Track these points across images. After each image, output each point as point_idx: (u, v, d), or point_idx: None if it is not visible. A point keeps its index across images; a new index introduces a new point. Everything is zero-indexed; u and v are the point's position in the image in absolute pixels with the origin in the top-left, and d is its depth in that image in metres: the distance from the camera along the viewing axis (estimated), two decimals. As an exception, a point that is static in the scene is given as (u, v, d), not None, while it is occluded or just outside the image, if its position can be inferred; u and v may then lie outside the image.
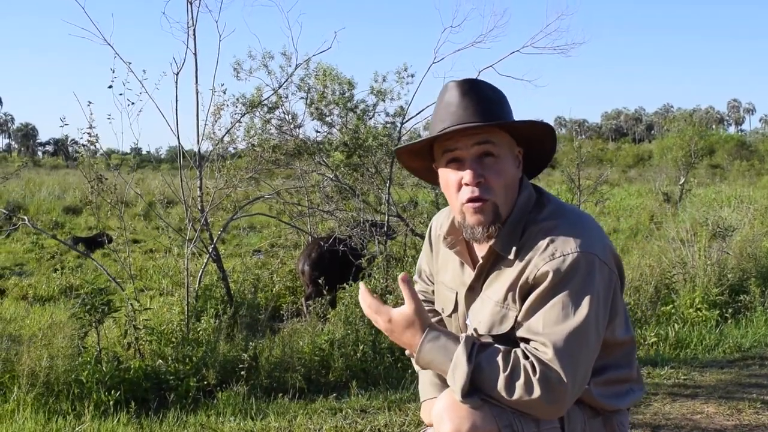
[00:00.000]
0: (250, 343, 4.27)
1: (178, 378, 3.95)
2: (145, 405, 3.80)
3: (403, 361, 4.33)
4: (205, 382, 3.97)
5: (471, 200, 1.61)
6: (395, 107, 7.06)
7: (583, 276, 1.53)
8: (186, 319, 4.49)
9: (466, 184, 1.61)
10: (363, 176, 6.82)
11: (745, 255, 6.67)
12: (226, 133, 5.58)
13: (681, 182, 16.56)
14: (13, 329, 4.62)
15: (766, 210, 10.98)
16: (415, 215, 6.91)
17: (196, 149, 5.04)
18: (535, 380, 1.46)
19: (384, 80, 6.93)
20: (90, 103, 4.50)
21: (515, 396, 1.47)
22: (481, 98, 1.63)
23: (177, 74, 4.61)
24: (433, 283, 1.96)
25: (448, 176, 1.66)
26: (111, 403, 3.67)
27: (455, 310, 1.81)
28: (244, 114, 6.43)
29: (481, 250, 1.71)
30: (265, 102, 6.79)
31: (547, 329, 1.50)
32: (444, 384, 1.60)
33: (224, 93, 5.06)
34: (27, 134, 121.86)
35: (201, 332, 4.46)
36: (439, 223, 1.90)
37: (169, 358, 4.09)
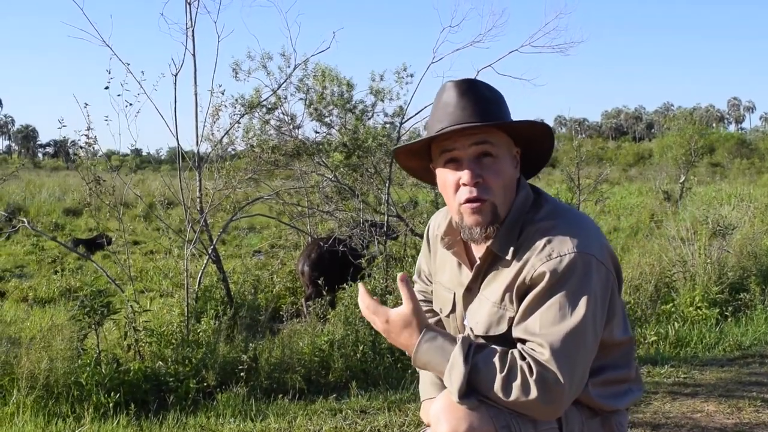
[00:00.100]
0: (250, 344, 4.27)
1: (177, 379, 3.95)
2: (145, 407, 3.80)
3: (403, 361, 4.33)
4: (205, 384, 3.97)
5: (469, 200, 1.60)
6: (394, 107, 7.07)
7: (580, 276, 1.52)
8: (186, 321, 4.49)
9: (464, 185, 1.60)
10: (362, 176, 6.82)
11: (746, 253, 6.67)
12: (225, 134, 5.58)
13: (681, 181, 16.55)
14: (13, 332, 4.62)
15: (766, 208, 10.98)
16: (415, 215, 6.91)
17: (195, 150, 5.04)
18: (531, 381, 1.46)
19: (382, 79, 6.93)
20: (87, 105, 4.50)
21: (512, 397, 1.47)
22: (479, 98, 1.62)
23: (176, 75, 4.61)
24: (431, 283, 1.96)
25: (445, 176, 1.65)
26: (111, 405, 3.67)
27: (453, 310, 1.81)
28: (243, 115, 6.43)
29: (478, 250, 1.71)
30: (264, 103, 6.79)
31: (544, 330, 1.50)
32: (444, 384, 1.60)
33: (222, 94, 5.05)
34: (27, 136, 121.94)
35: (201, 333, 4.46)
36: (437, 224, 1.90)
37: (169, 360, 4.09)
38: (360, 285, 1.73)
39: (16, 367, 3.85)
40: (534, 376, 1.46)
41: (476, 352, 1.52)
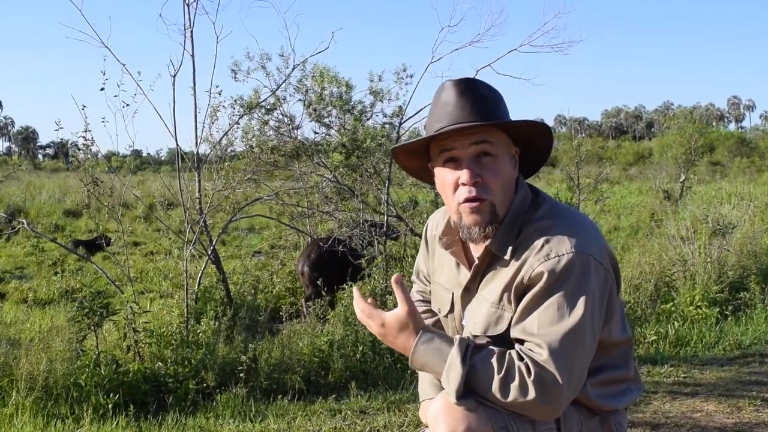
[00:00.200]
0: (250, 345, 4.27)
1: (177, 380, 3.95)
2: (144, 408, 3.80)
3: (403, 361, 4.32)
4: (204, 385, 3.97)
5: (468, 200, 1.60)
6: (393, 107, 7.06)
7: (578, 276, 1.52)
8: (185, 322, 4.49)
9: (463, 184, 1.60)
10: (362, 177, 6.82)
11: (746, 252, 6.67)
12: (224, 135, 5.57)
13: (681, 180, 16.53)
14: (13, 333, 4.61)
15: (766, 207, 10.96)
16: (415, 215, 6.91)
17: (194, 151, 5.04)
18: (529, 382, 1.45)
19: (380, 80, 6.93)
20: (84, 107, 4.49)
21: (510, 398, 1.47)
22: (478, 97, 1.62)
23: (174, 76, 4.60)
24: (430, 283, 1.96)
25: (444, 176, 1.65)
26: (110, 406, 3.67)
27: (451, 310, 1.80)
28: (242, 116, 6.42)
29: (476, 250, 1.70)
30: (263, 103, 6.79)
31: (542, 330, 1.49)
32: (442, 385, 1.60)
33: (219, 94, 5.04)
34: (27, 137, 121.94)
35: (200, 334, 4.46)
36: (435, 223, 1.90)
37: (169, 361, 4.08)
38: (354, 289, 1.73)
39: (15, 369, 3.84)
40: (532, 377, 1.45)
41: (474, 353, 1.52)
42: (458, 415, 1.50)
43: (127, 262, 5.20)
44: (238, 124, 6.27)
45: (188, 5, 4.65)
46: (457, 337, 1.56)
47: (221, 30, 4.72)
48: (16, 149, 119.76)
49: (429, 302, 1.98)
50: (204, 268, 5.05)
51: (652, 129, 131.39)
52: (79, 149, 4.72)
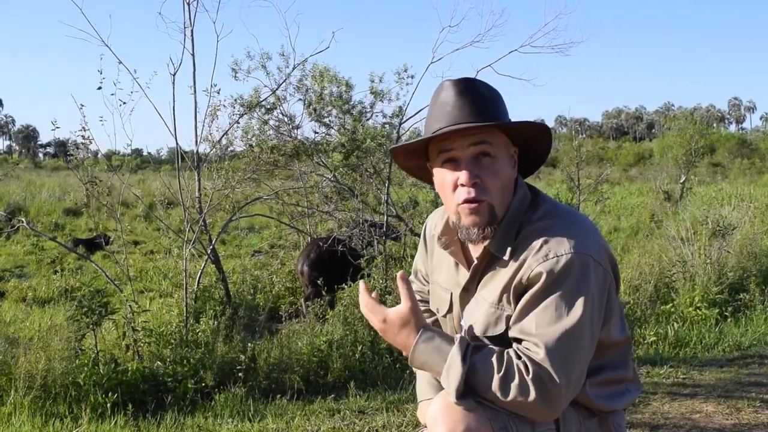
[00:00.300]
0: (249, 345, 4.26)
1: (176, 380, 3.94)
2: (143, 407, 3.79)
3: (402, 361, 4.32)
4: (203, 384, 3.96)
5: (467, 201, 1.60)
6: (394, 108, 7.05)
7: (577, 277, 1.52)
8: (184, 321, 4.49)
9: (462, 185, 1.60)
10: (362, 177, 6.81)
11: (745, 253, 6.66)
12: (224, 134, 5.57)
13: (682, 181, 16.51)
14: (12, 332, 4.61)
15: (766, 208, 10.96)
16: (415, 215, 6.90)
17: (194, 150, 5.03)
18: (528, 380, 1.45)
19: (381, 81, 6.92)
20: (82, 106, 4.48)
21: (510, 397, 1.46)
22: (477, 98, 1.61)
23: (174, 75, 4.59)
24: (428, 283, 1.95)
25: (443, 176, 1.64)
26: (108, 405, 3.67)
27: (450, 310, 1.80)
28: (242, 115, 6.42)
29: (475, 250, 1.70)
30: (263, 103, 6.78)
31: (540, 330, 1.49)
32: (441, 384, 1.60)
33: (218, 93, 5.04)
34: (28, 136, 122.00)
35: (199, 334, 4.45)
36: (434, 223, 1.89)
37: (167, 360, 4.08)
38: (361, 282, 1.73)
39: (13, 367, 3.84)
40: (530, 375, 1.45)
41: (474, 352, 1.52)
42: (457, 415, 1.50)
43: (127, 261, 5.19)
44: (238, 123, 6.27)
45: (188, 4, 4.64)
46: (458, 335, 1.56)
47: (221, 29, 4.72)
48: (17, 148, 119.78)
49: (427, 302, 1.97)
50: (203, 267, 5.05)
51: (653, 130, 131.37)
52: (78, 148, 4.71)
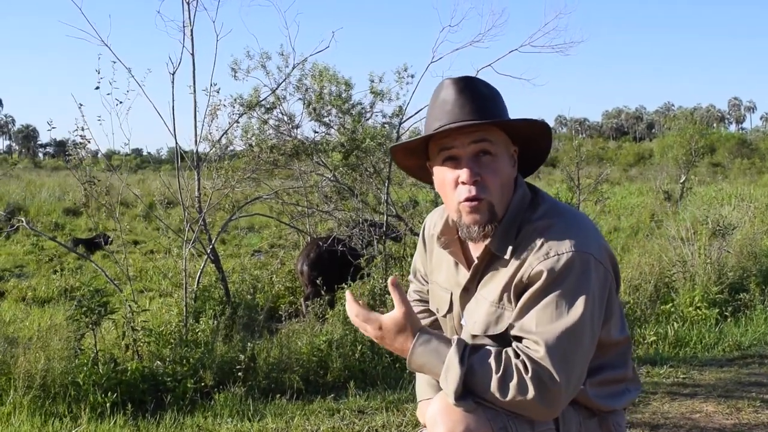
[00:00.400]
0: (248, 344, 4.25)
1: (175, 379, 3.94)
2: (142, 407, 3.79)
3: (401, 361, 4.31)
4: (203, 384, 3.96)
5: (468, 199, 1.59)
6: (393, 107, 7.05)
7: (577, 275, 1.51)
8: (184, 320, 4.48)
9: (463, 183, 1.59)
10: (361, 176, 6.81)
11: (745, 253, 6.66)
12: (224, 134, 5.56)
13: (682, 181, 16.51)
14: (11, 331, 4.61)
15: (766, 208, 10.96)
16: (415, 215, 6.90)
17: (194, 150, 5.03)
18: (527, 379, 1.44)
19: (380, 80, 6.92)
20: (81, 105, 4.48)
21: (509, 396, 1.46)
22: (478, 96, 1.61)
23: (173, 74, 4.59)
24: (428, 283, 1.95)
25: (444, 175, 1.64)
26: (108, 405, 3.66)
27: (450, 310, 1.80)
28: (242, 114, 6.42)
29: (476, 249, 1.69)
30: (263, 102, 6.79)
31: (540, 328, 1.48)
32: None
33: (218, 92, 5.04)
34: (28, 136, 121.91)
35: (199, 333, 4.45)
36: (433, 223, 1.89)
37: (167, 360, 4.08)
38: (347, 292, 1.72)
39: (13, 367, 3.84)
40: (529, 374, 1.45)
41: (471, 353, 1.51)
42: (457, 416, 1.49)
43: (126, 260, 5.18)
44: (238, 122, 6.28)
45: (188, 3, 4.64)
46: (455, 337, 1.55)
47: (221, 28, 4.72)
48: (17, 147, 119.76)
49: (426, 302, 1.97)
50: (203, 267, 5.05)
51: (653, 130, 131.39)
52: (76, 146, 4.70)
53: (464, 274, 1.72)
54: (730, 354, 4.90)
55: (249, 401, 3.83)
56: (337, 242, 6.23)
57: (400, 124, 6.87)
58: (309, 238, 7.37)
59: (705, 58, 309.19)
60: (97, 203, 4.75)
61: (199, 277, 4.98)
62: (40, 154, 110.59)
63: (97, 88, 4.35)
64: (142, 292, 6.76)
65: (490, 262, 1.65)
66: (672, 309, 5.55)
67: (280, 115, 7.11)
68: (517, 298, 1.57)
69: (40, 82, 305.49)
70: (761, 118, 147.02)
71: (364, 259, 5.84)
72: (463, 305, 1.73)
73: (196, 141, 4.93)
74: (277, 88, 6.51)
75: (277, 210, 8.66)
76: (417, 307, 1.96)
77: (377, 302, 5.00)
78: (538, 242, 1.56)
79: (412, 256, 5.99)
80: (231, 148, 6.74)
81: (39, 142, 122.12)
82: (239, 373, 3.97)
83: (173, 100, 4.65)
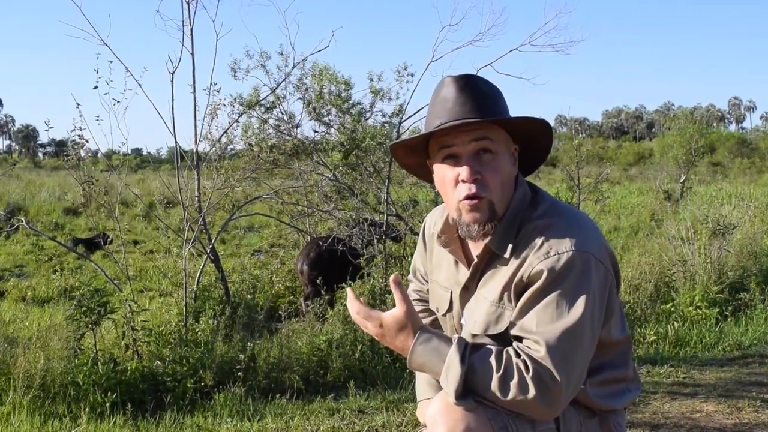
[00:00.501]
0: (248, 344, 4.25)
1: (175, 379, 3.93)
2: (142, 407, 3.78)
3: (402, 361, 4.31)
4: (203, 384, 3.95)
5: (468, 197, 1.59)
6: (393, 107, 7.05)
7: (578, 275, 1.51)
8: (184, 320, 4.48)
9: (463, 181, 1.59)
10: (362, 176, 6.81)
11: (746, 253, 6.66)
12: (224, 133, 5.56)
13: (682, 180, 16.50)
14: (11, 331, 4.60)
15: (766, 207, 10.96)
16: (415, 214, 6.89)
17: (194, 149, 5.03)
18: (528, 378, 1.44)
19: (380, 79, 6.92)
20: (78, 105, 4.47)
21: (510, 396, 1.45)
22: (478, 94, 1.61)
23: (173, 73, 4.59)
24: (428, 282, 1.94)
25: (444, 173, 1.63)
26: (107, 405, 3.66)
27: (450, 309, 1.79)
28: (242, 114, 6.41)
29: (476, 248, 1.69)
30: (263, 102, 6.78)
31: (541, 327, 1.48)
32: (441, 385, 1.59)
33: (218, 92, 5.03)
34: (27, 135, 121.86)
35: (199, 333, 4.44)
36: (433, 221, 1.88)
37: (167, 359, 4.07)
38: (348, 290, 1.72)
39: (12, 367, 3.83)
40: (530, 373, 1.44)
41: (472, 352, 1.50)
42: (457, 415, 1.49)
43: (126, 260, 5.18)
44: (238, 122, 6.27)
45: (188, 2, 4.63)
46: (456, 336, 1.55)
47: (221, 28, 4.72)
48: (17, 147, 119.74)
49: (426, 301, 1.97)
50: (203, 266, 5.04)
51: (653, 129, 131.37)
52: (74, 144, 4.69)
53: (464, 273, 1.72)
54: (731, 353, 4.90)
55: (249, 401, 3.82)
56: (337, 242, 6.22)
57: (400, 123, 6.87)
58: (309, 237, 7.36)
59: (705, 58, 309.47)
60: (97, 203, 4.74)
61: (199, 277, 4.98)
62: (40, 154, 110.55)
63: (96, 87, 4.35)
64: (142, 291, 6.76)
65: (490, 260, 1.65)
66: (672, 308, 5.55)
67: (280, 115, 7.11)
68: (517, 297, 1.56)
69: (40, 82, 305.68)
70: (761, 118, 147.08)
71: (364, 258, 5.83)
72: (463, 304, 1.73)
73: (196, 140, 4.93)
74: (276, 88, 6.51)
75: (277, 209, 8.65)
76: (417, 307, 1.96)
77: (377, 302, 4.99)
78: (539, 241, 1.56)
79: (412, 255, 5.99)
80: (231, 147, 6.73)
81: (39, 142, 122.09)
82: (239, 373, 3.97)
83: (173, 100, 4.65)
